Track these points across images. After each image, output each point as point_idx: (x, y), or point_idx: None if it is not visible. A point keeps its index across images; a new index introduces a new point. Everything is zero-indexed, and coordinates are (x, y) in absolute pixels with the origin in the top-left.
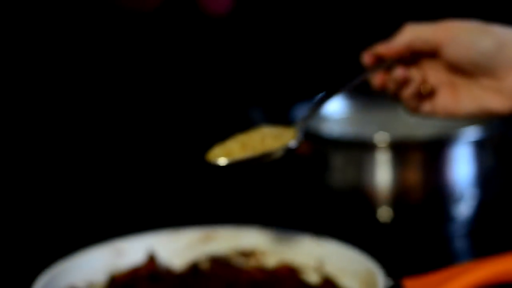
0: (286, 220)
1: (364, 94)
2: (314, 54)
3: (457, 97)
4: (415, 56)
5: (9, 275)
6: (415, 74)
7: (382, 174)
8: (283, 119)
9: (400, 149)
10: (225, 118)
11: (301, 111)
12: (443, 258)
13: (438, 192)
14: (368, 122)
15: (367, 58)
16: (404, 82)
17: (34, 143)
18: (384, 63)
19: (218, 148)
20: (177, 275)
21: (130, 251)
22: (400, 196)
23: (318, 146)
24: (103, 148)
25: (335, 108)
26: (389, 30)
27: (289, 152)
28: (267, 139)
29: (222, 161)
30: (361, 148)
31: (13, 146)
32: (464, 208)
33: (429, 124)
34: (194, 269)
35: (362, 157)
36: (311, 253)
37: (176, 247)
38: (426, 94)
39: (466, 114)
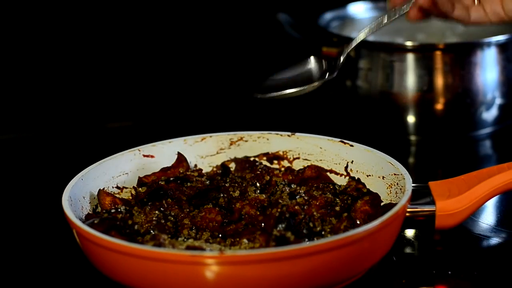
0: (314, 125)
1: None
2: None
3: (502, 2)
4: None
5: (44, 180)
6: None
7: (410, 77)
8: (310, 25)
9: (428, 53)
10: (254, 23)
11: (327, 18)
12: (468, 162)
13: (464, 96)
14: (396, 27)
15: None
16: None
17: None
18: None
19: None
20: (206, 177)
21: (159, 155)
22: (427, 100)
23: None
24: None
25: (364, 13)
26: None
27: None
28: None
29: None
30: (389, 51)
31: None
32: (490, 113)
33: (456, 31)
34: (223, 171)
35: (390, 60)
36: (338, 157)
37: (205, 152)
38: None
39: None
